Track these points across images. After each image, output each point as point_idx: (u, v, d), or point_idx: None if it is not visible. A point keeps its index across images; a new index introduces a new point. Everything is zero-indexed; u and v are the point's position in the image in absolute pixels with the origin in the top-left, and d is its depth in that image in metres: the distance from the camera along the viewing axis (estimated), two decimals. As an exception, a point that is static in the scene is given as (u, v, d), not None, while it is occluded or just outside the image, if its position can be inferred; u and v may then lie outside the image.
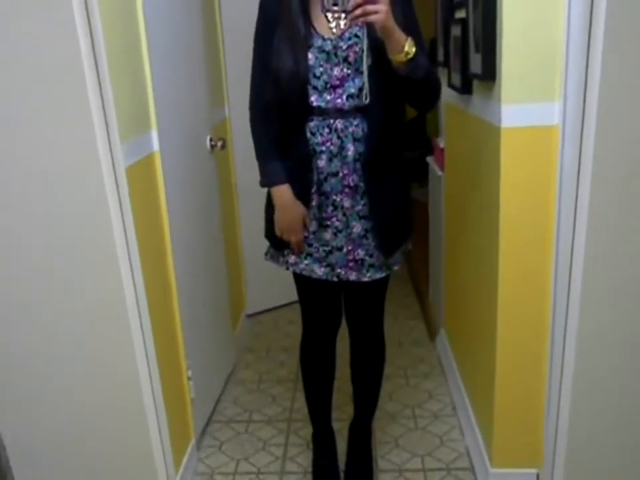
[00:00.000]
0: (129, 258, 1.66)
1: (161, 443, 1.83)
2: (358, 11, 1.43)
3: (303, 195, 1.75)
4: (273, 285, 3.28)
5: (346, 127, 1.68)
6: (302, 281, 1.89)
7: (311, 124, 1.70)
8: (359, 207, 1.74)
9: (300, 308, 1.99)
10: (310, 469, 2.17)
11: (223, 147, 2.60)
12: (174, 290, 2.08)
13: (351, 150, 1.69)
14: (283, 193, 1.76)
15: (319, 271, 1.80)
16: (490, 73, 1.71)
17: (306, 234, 1.78)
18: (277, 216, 1.79)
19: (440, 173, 2.78)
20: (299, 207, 1.75)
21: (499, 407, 1.91)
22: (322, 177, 1.72)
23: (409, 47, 1.52)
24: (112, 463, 1.83)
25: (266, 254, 1.93)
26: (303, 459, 2.24)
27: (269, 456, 2.28)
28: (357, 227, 1.76)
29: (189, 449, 2.18)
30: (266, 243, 1.92)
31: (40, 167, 1.57)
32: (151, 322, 1.77)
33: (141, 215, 1.76)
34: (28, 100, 1.52)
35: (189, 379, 2.18)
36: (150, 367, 1.75)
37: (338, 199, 1.73)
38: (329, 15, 1.63)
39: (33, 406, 1.76)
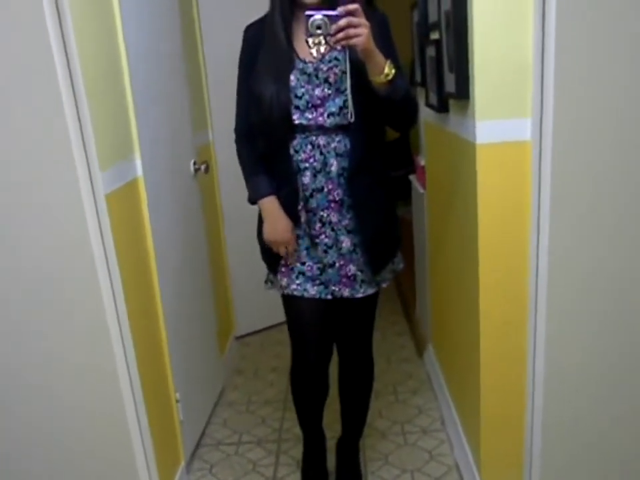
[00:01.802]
0: (112, 285, 1.66)
1: (147, 467, 1.82)
2: (340, 35, 1.49)
3: (290, 209, 1.77)
4: (260, 307, 3.30)
5: (328, 143, 1.72)
6: (292, 305, 1.89)
7: (294, 142, 1.73)
8: (346, 222, 1.77)
9: (290, 338, 1.97)
10: (300, 489, 2.18)
11: (207, 170, 2.63)
12: (160, 314, 2.09)
13: (334, 165, 1.73)
14: (270, 204, 1.79)
15: (312, 290, 1.82)
16: (464, 92, 1.75)
17: (296, 248, 1.80)
18: (266, 227, 1.81)
19: (422, 190, 2.82)
20: (286, 221, 1.77)
21: (485, 420, 1.92)
22: (307, 193, 1.75)
23: (389, 69, 1.58)
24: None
25: (266, 282, 1.94)
26: (293, 479, 2.24)
27: (259, 477, 2.28)
28: (346, 242, 1.78)
29: (179, 472, 2.18)
30: (253, 266, 1.93)
31: (17, 195, 1.58)
32: (137, 346, 1.78)
33: (124, 240, 1.77)
34: (3, 129, 1.53)
35: (177, 401, 2.18)
36: (134, 391, 1.75)
37: (325, 215, 1.76)
38: (310, 41, 1.70)
39: (15, 426, 1.75)
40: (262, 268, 1.92)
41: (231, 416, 2.70)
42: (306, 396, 2.09)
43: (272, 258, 1.85)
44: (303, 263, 1.81)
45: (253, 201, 1.83)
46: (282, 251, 1.80)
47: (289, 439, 2.47)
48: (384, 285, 1.89)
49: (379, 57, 1.56)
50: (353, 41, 1.49)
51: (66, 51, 1.50)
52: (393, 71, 1.58)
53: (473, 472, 2.05)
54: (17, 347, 1.69)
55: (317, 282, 1.81)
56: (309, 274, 1.81)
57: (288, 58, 1.71)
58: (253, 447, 2.47)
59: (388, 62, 1.58)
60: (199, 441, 2.50)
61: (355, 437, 2.17)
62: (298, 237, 1.80)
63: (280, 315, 1.98)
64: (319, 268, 1.80)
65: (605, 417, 1.48)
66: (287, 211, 1.78)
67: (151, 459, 1.84)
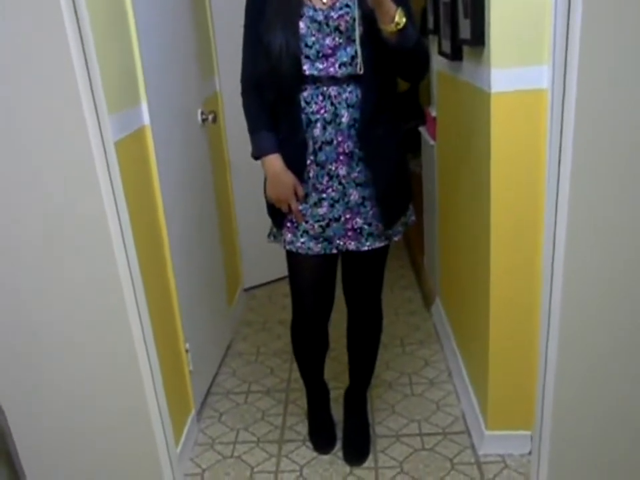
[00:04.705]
0: (122, 233, 1.65)
1: (160, 415, 1.84)
2: None
3: (297, 164, 1.75)
4: (268, 259, 3.30)
5: (339, 94, 1.68)
6: (295, 262, 1.89)
7: (305, 93, 1.70)
8: (355, 174, 1.75)
9: (290, 292, 1.98)
10: (308, 437, 2.21)
11: (214, 120, 2.60)
12: (169, 264, 2.09)
13: (345, 116, 1.69)
14: (273, 162, 1.76)
15: (316, 248, 1.81)
16: (479, 38, 1.70)
17: (301, 207, 1.79)
18: (268, 185, 1.80)
19: (432, 142, 2.78)
20: (289, 176, 1.75)
21: (493, 372, 1.94)
22: (317, 146, 1.72)
23: (399, 18, 1.52)
24: (111, 438, 1.85)
25: (268, 235, 1.94)
26: (302, 428, 2.27)
27: (268, 425, 2.31)
28: (354, 195, 1.76)
29: (189, 421, 2.21)
30: (261, 218, 1.93)
31: (26, 144, 1.55)
32: (147, 297, 1.78)
33: (132, 189, 1.75)
34: (10, 75, 1.50)
35: (186, 351, 2.20)
36: (146, 340, 1.76)
37: (333, 168, 1.74)
38: None
39: (31, 379, 1.77)
40: (269, 220, 1.91)
41: (240, 366, 2.73)
42: (306, 350, 2.11)
43: (277, 214, 1.84)
44: (307, 221, 1.80)
45: (256, 157, 1.81)
46: (284, 208, 1.79)
47: (297, 388, 2.49)
48: (395, 238, 1.87)
49: (389, 4, 1.50)
50: None
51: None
52: (404, 20, 1.53)
53: (479, 422, 2.07)
54: (26, 295, 1.69)
55: (320, 239, 1.81)
56: (311, 232, 1.80)
57: (297, 4, 1.65)
58: (262, 396, 2.50)
59: (399, 10, 1.52)
60: (209, 390, 2.53)
61: (363, 388, 2.19)
62: (306, 195, 1.78)
63: (288, 268, 1.98)
64: (320, 226, 1.79)
65: (620, 369, 1.48)
66: (294, 163, 1.75)
67: (163, 407, 1.87)
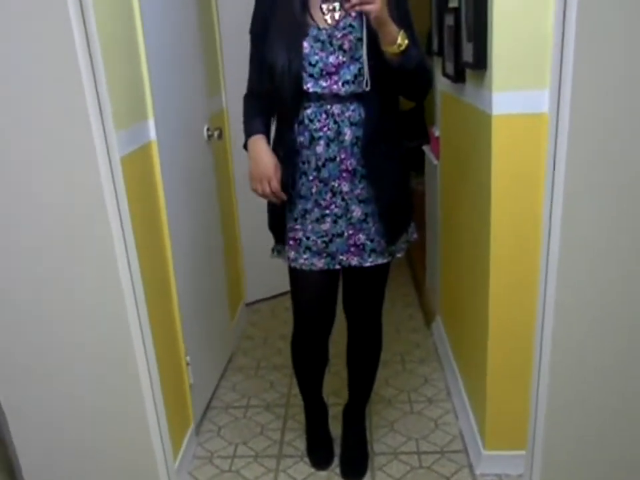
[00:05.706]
0: (126, 247, 1.67)
1: (159, 427, 1.85)
2: (354, 0, 1.46)
3: (289, 179, 1.76)
4: (270, 274, 3.31)
5: (342, 112, 1.71)
6: (298, 278, 1.90)
7: (308, 111, 1.72)
8: (358, 191, 1.77)
9: (292, 309, 2.00)
10: (306, 453, 2.22)
11: (220, 136, 2.63)
12: (172, 278, 2.11)
13: (348, 134, 1.72)
14: (257, 141, 1.77)
15: (319, 263, 1.82)
16: (481, 62, 1.73)
17: (299, 225, 1.80)
18: (250, 167, 1.78)
19: (435, 161, 2.80)
20: (270, 157, 1.75)
21: (491, 391, 1.94)
22: (320, 163, 1.75)
23: (402, 39, 1.56)
24: (109, 448, 1.86)
25: (272, 251, 1.95)
26: (300, 443, 2.28)
27: (267, 440, 2.32)
28: (357, 211, 1.78)
29: (188, 434, 2.22)
30: (265, 233, 1.95)
31: (33, 157, 1.58)
32: (149, 309, 1.80)
33: (137, 204, 1.78)
34: (19, 89, 1.53)
35: (187, 364, 2.21)
36: (147, 352, 1.78)
37: (336, 185, 1.76)
38: (324, 7, 1.68)
39: (33, 388, 1.78)
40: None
41: (240, 380, 2.74)
42: (305, 365, 2.12)
43: (277, 227, 1.87)
44: (308, 238, 1.82)
45: (245, 144, 1.82)
46: (266, 190, 1.75)
47: (297, 404, 2.50)
48: (399, 255, 1.90)
49: (391, 26, 1.54)
50: (366, 8, 1.47)
51: (83, 13, 1.49)
52: (406, 42, 1.57)
53: (477, 441, 2.07)
54: (31, 307, 1.71)
55: (324, 255, 1.82)
56: (314, 248, 1.82)
57: (301, 24, 1.69)
58: (261, 410, 2.51)
59: (401, 32, 1.56)
60: (209, 403, 2.54)
61: (362, 404, 2.20)
62: (306, 212, 1.79)
63: (290, 283, 2.00)
64: (323, 241, 1.81)
65: (612, 389, 1.49)
66: (286, 178, 1.76)
67: (162, 420, 1.88)
